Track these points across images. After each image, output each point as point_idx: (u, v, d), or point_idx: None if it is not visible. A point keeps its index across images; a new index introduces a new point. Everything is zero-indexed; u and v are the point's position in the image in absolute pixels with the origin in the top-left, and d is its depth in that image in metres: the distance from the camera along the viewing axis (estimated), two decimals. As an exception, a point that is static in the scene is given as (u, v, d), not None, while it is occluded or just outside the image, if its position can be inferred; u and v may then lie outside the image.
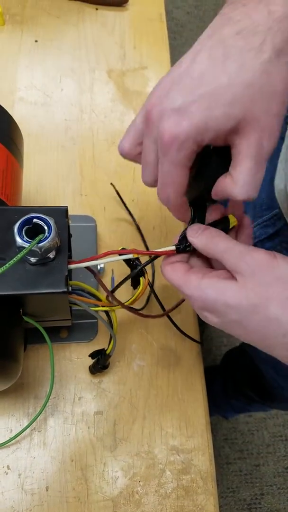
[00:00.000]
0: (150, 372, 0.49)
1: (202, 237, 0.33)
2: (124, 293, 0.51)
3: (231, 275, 0.31)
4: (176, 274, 0.34)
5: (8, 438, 0.43)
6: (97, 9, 0.71)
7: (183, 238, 0.36)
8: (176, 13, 1.94)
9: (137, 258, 0.41)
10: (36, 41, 0.67)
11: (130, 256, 0.38)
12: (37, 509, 0.42)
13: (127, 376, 0.48)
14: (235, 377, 0.90)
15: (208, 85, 0.27)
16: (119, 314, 0.50)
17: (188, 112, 0.27)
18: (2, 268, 0.30)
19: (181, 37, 1.88)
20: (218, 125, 0.27)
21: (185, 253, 0.36)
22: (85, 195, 0.57)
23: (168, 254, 0.36)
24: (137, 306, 0.51)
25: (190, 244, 0.35)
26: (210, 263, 0.37)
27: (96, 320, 0.50)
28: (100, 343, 0.49)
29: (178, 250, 0.36)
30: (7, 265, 0.30)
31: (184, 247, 0.35)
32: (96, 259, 0.37)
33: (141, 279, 0.41)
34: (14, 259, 0.31)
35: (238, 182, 0.29)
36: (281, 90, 0.27)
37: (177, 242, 0.36)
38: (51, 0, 0.71)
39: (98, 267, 0.51)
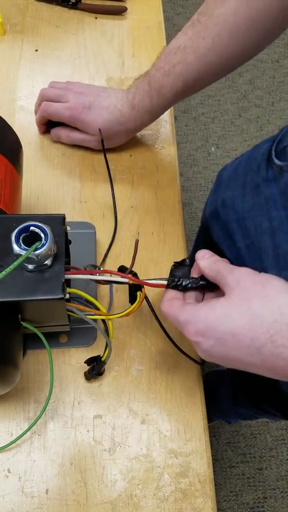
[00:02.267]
0: (148, 377, 0.49)
1: (207, 260, 0.39)
2: (122, 307, 0.52)
3: (221, 298, 0.36)
4: (173, 306, 0.38)
5: (9, 442, 0.44)
6: (96, 18, 0.72)
7: (172, 275, 0.42)
8: (177, 19, 1.96)
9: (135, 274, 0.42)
10: (36, 50, 0.68)
11: (126, 280, 0.39)
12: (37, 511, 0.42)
13: (126, 380, 0.49)
14: (250, 391, 0.82)
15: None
16: (118, 319, 0.51)
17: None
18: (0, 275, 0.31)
19: (182, 42, 1.89)
20: None
21: (175, 289, 0.41)
22: (84, 202, 0.58)
23: (158, 287, 0.41)
24: (132, 317, 0.52)
25: (179, 284, 0.40)
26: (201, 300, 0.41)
27: (95, 325, 0.51)
28: (99, 348, 0.49)
29: (168, 286, 0.41)
30: (4, 272, 0.31)
31: (174, 285, 0.40)
32: (92, 274, 0.39)
33: (138, 293, 0.42)
34: (11, 266, 0.31)
35: None
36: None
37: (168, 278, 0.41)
38: (51, 10, 0.72)
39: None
